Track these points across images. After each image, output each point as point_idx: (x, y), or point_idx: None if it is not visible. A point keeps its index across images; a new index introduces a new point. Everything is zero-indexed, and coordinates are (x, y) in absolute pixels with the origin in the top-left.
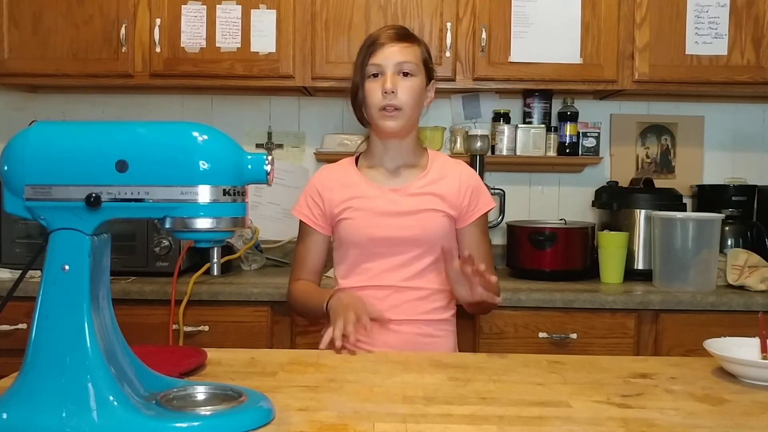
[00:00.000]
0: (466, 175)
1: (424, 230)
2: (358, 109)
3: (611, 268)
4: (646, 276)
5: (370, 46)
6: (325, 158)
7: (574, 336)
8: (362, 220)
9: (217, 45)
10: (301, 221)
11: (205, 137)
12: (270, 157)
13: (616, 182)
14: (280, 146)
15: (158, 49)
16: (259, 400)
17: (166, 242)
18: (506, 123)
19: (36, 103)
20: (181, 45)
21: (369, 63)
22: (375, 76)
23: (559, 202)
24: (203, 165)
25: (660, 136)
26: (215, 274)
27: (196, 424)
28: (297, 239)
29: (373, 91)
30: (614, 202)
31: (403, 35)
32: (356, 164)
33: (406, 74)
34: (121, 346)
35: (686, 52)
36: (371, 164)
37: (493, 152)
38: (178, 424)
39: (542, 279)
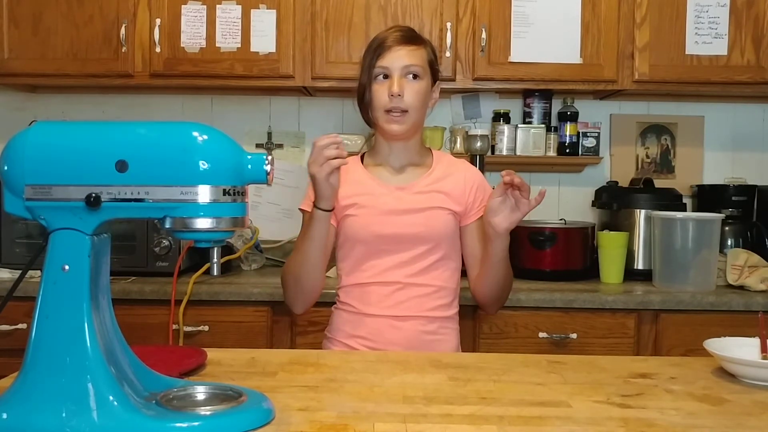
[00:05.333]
0: (470, 173)
1: (430, 227)
2: (365, 110)
3: (611, 268)
4: (646, 276)
5: (378, 48)
6: None
7: (574, 336)
8: (369, 217)
9: (217, 45)
10: (304, 216)
11: (205, 137)
12: (270, 157)
13: (616, 182)
14: (280, 146)
15: (158, 49)
16: (259, 400)
17: (166, 242)
18: (506, 123)
19: (36, 103)
20: (181, 45)
21: (376, 65)
22: (383, 78)
23: (559, 202)
24: (203, 165)
25: (660, 136)
26: (215, 274)
27: (196, 424)
28: (300, 233)
29: (380, 94)
30: (614, 202)
31: (411, 38)
32: (361, 162)
33: (413, 77)
34: (121, 346)
35: (686, 52)
36: (377, 163)
37: (493, 152)
38: (178, 424)
39: (542, 279)
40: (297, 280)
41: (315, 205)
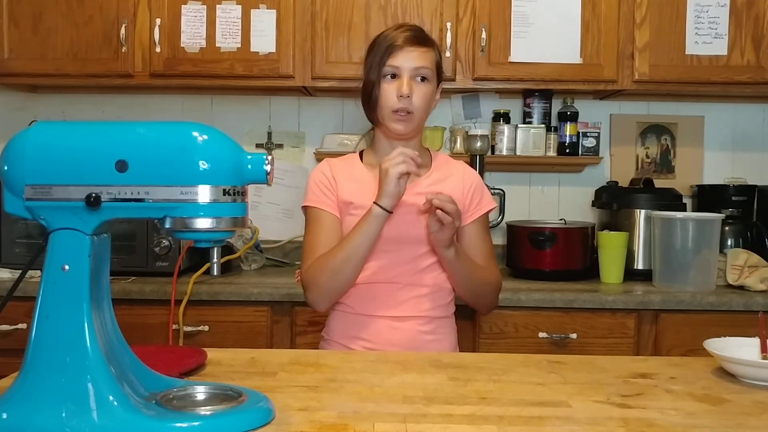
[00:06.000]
0: (469, 174)
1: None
2: (371, 108)
3: (611, 268)
4: (646, 276)
5: (389, 47)
6: (325, 158)
7: (574, 336)
8: None
9: (217, 45)
10: (312, 213)
11: (205, 137)
12: (270, 157)
13: (616, 182)
14: (280, 146)
15: (158, 49)
16: (259, 400)
17: (166, 242)
18: (506, 123)
19: (36, 103)
20: (181, 45)
21: (387, 64)
22: (392, 77)
23: (559, 202)
24: (203, 165)
25: (660, 136)
26: (215, 274)
27: (196, 424)
28: (307, 232)
29: (389, 93)
30: (614, 202)
31: (422, 39)
32: (361, 160)
33: (422, 79)
34: (121, 346)
35: (686, 52)
36: (377, 161)
37: (493, 152)
38: (178, 424)
39: (542, 279)
40: (335, 274)
41: (376, 202)
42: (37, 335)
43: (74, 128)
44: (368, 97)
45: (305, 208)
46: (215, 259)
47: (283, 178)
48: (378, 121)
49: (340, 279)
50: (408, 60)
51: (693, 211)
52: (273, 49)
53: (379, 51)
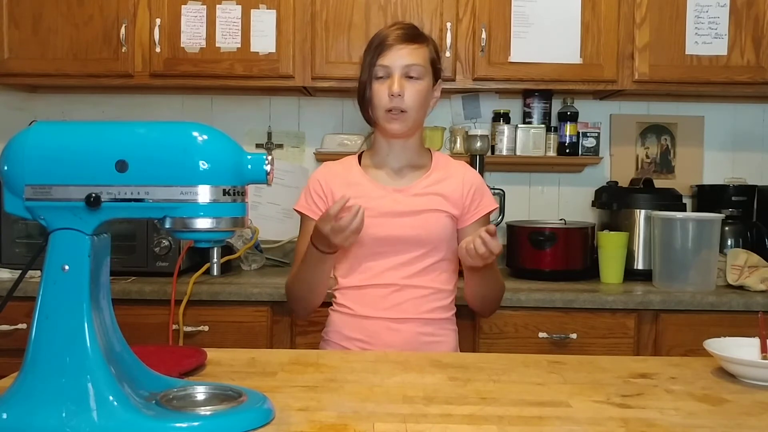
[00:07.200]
0: (469, 176)
1: (428, 230)
2: (365, 108)
3: (611, 268)
4: (646, 276)
5: (379, 46)
6: (325, 158)
7: (574, 336)
8: (366, 219)
9: (217, 45)
10: (303, 218)
11: (205, 137)
12: (270, 157)
13: (616, 182)
14: (280, 146)
15: (158, 49)
16: (259, 400)
17: (166, 242)
18: (506, 123)
19: (36, 103)
20: (181, 45)
21: (377, 64)
22: (383, 76)
23: (559, 202)
24: (203, 165)
25: (660, 136)
26: (215, 274)
27: (196, 424)
28: (298, 236)
29: (380, 93)
30: (614, 202)
31: (413, 36)
32: (359, 163)
33: (412, 77)
34: (121, 346)
35: (686, 52)
36: (375, 164)
37: (493, 152)
38: (178, 424)
39: (542, 279)
40: (301, 300)
41: (324, 251)
42: (37, 335)
43: (74, 128)
44: (362, 98)
45: (298, 212)
46: (215, 259)
47: (283, 178)
48: (374, 121)
49: (307, 302)
50: (398, 58)
51: (693, 211)
52: (273, 49)
53: (370, 51)
